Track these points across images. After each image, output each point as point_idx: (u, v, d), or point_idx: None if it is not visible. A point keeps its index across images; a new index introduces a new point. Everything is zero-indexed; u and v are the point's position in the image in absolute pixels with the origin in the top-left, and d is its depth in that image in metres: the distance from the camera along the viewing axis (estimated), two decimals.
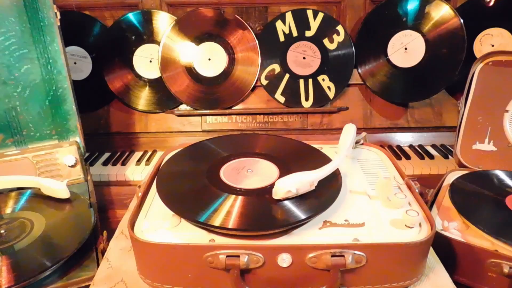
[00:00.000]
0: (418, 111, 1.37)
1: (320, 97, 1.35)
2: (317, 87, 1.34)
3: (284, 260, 0.55)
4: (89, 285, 0.63)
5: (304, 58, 1.33)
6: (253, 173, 0.70)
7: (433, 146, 1.36)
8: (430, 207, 0.80)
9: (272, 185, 0.63)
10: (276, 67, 1.34)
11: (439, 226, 0.73)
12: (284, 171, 0.69)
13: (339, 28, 1.31)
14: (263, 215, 0.60)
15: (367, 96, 1.37)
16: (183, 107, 1.36)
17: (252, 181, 0.68)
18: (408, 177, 0.74)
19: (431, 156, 1.27)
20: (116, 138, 1.38)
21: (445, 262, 0.65)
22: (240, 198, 0.63)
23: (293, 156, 0.78)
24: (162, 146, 1.36)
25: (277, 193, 0.61)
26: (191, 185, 0.69)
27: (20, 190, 0.89)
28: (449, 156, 1.26)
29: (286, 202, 0.62)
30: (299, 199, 0.62)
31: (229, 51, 1.32)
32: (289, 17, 1.31)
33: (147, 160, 1.29)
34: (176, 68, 1.32)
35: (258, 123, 1.37)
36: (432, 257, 0.66)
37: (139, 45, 1.33)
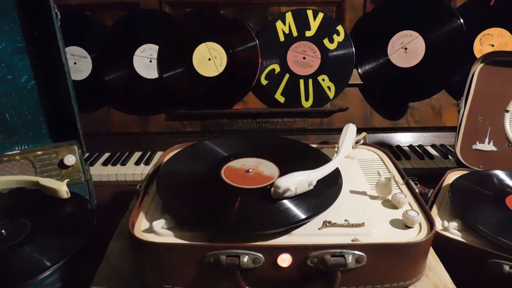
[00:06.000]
0: (418, 111, 1.37)
1: (320, 97, 1.35)
2: (317, 87, 1.34)
3: (284, 260, 0.55)
4: (89, 285, 0.63)
5: (304, 58, 1.33)
6: (253, 173, 0.70)
7: (433, 146, 1.36)
8: (430, 207, 0.80)
9: (272, 185, 0.63)
10: (276, 67, 1.34)
11: (439, 226, 0.73)
12: (284, 171, 0.69)
13: (339, 28, 1.31)
14: (263, 215, 0.60)
15: (367, 96, 1.37)
16: (183, 107, 1.36)
17: (252, 181, 0.68)
18: (408, 177, 0.74)
19: (431, 156, 1.27)
20: (116, 138, 1.38)
21: (445, 262, 0.65)
22: (240, 198, 0.63)
23: (293, 156, 0.78)
24: (162, 146, 1.36)
25: (275, 192, 0.61)
26: (191, 185, 0.69)
27: (20, 190, 0.89)
28: (449, 156, 1.26)
29: (287, 202, 0.62)
30: (299, 199, 0.62)
31: (229, 51, 1.32)
32: (289, 17, 1.31)
33: (147, 160, 1.29)
34: (176, 68, 1.32)
35: (258, 123, 1.37)
36: (432, 257, 0.66)
37: (139, 45, 1.33)
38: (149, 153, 1.34)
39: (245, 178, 0.69)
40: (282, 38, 1.33)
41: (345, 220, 0.62)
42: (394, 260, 0.57)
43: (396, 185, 0.73)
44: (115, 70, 1.34)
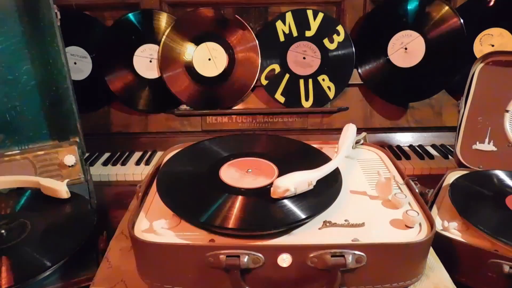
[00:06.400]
0: (418, 111, 1.37)
1: (320, 97, 1.35)
2: (317, 87, 1.34)
3: (284, 260, 0.55)
4: (89, 285, 0.63)
5: (304, 58, 1.33)
6: (253, 173, 0.70)
7: (433, 146, 1.36)
8: (430, 207, 0.80)
9: (272, 185, 0.63)
10: (276, 67, 1.34)
11: (439, 226, 0.73)
12: (284, 171, 0.69)
13: (339, 28, 1.31)
14: (263, 215, 0.60)
15: (367, 96, 1.37)
16: (183, 107, 1.36)
17: (252, 181, 0.68)
18: (408, 177, 0.74)
19: (431, 156, 1.27)
20: (116, 138, 1.38)
21: (445, 262, 0.65)
22: (240, 198, 0.63)
23: (293, 156, 0.78)
24: (162, 146, 1.36)
25: (275, 192, 0.61)
26: (191, 185, 0.69)
27: (20, 190, 0.89)
28: (449, 156, 1.26)
29: (287, 202, 0.62)
30: (299, 199, 0.62)
31: (229, 51, 1.32)
32: (289, 17, 1.31)
33: (147, 160, 1.29)
34: (176, 68, 1.32)
35: (258, 123, 1.37)
36: (432, 257, 0.66)
37: (139, 45, 1.33)
38: (149, 153, 1.34)
39: (245, 178, 0.69)
40: (282, 38, 1.33)
41: (345, 220, 0.62)
42: (394, 260, 0.57)
43: (396, 185, 0.73)
44: (115, 70, 1.34)
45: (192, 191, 0.67)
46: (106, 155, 1.34)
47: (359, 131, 0.88)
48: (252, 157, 0.76)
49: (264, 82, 1.34)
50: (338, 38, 1.31)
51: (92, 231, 0.76)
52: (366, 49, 1.33)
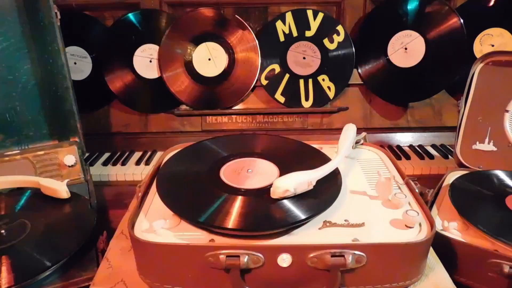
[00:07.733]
0: (418, 111, 1.37)
1: (320, 97, 1.35)
2: (317, 87, 1.34)
3: (284, 260, 0.55)
4: (89, 285, 0.63)
5: (304, 58, 1.33)
6: (253, 173, 0.70)
7: (433, 146, 1.36)
8: (430, 207, 0.80)
9: (272, 185, 0.63)
10: (276, 67, 1.34)
11: (439, 226, 0.73)
12: (284, 171, 0.69)
13: (339, 28, 1.31)
14: (263, 215, 0.60)
15: (367, 96, 1.37)
16: (183, 107, 1.36)
17: (252, 181, 0.68)
18: (408, 177, 0.74)
19: (431, 156, 1.27)
20: (116, 138, 1.37)
21: (445, 262, 0.65)
22: (240, 198, 0.63)
23: (293, 156, 0.78)
24: (162, 146, 1.36)
25: (275, 192, 0.61)
26: (191, 185, 0.69)
27: (20, 190, 0.89)
28: (449, 156, 1.26)
29: (287, 202, 0.62)
30: (299, 199, 0.62)
31: (229, 51, 1.32)
32: (289, 17, 1.31)
33: (147, 160, 1.29)
34: (176, 68, 1.32)
35: (258, 123, 1.37)
36: (432, 257, 0.66)
37: (139, 45, 1.33)
38: (149, 153, 1.34)
39: (245, 178, 0.69)
40: (282, 38, 1.33)
41: (345, 220, 0.62)
42: (394, 260, 0.57)
43: (396, 185, 0.73)
44: (115, 70, 1.34)
45: (192, 191, 0.67)
46: (106, 155, 1.34)
47: (359, 131, 0.88)
48: (252, 157, 0.76)
49: (264, 82, 1.34)
50: (338, 38, 1.31)
51: (92, 231, 0.76)
52: (366, 49, 1.33)
